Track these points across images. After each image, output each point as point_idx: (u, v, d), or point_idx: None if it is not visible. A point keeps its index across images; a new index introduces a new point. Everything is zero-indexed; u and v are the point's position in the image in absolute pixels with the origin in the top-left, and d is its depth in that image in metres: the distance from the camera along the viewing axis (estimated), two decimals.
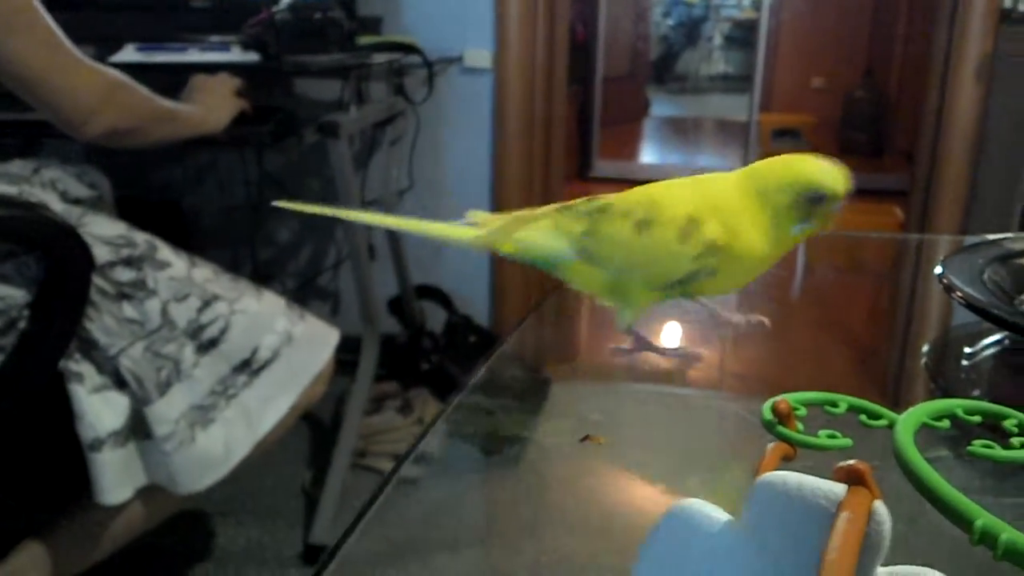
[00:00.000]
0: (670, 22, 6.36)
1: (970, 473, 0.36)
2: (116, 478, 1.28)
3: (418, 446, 0.49)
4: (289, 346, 1.48)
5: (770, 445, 0.36)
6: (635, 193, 0.49)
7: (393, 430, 2.28)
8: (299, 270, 2.63)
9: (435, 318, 2.49)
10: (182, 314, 1.34)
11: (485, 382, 0.61)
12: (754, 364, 0.60)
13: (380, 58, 2.00)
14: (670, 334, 0.63)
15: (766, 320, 0.55)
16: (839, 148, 5.11)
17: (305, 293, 2.62)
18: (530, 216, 0.53)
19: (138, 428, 1.29)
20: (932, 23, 2.38)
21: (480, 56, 2.41)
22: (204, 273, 1.41)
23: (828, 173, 0.46)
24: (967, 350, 0.54)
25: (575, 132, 4.97)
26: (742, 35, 5.88)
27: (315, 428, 2.29)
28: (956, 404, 0.39)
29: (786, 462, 0.36)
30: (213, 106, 1.60)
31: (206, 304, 1.38)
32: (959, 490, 0.26)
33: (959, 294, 0.49)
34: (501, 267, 2.55)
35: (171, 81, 1.60)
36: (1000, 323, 0.45)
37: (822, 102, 5.30)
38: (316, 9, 1.94)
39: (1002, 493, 0.37)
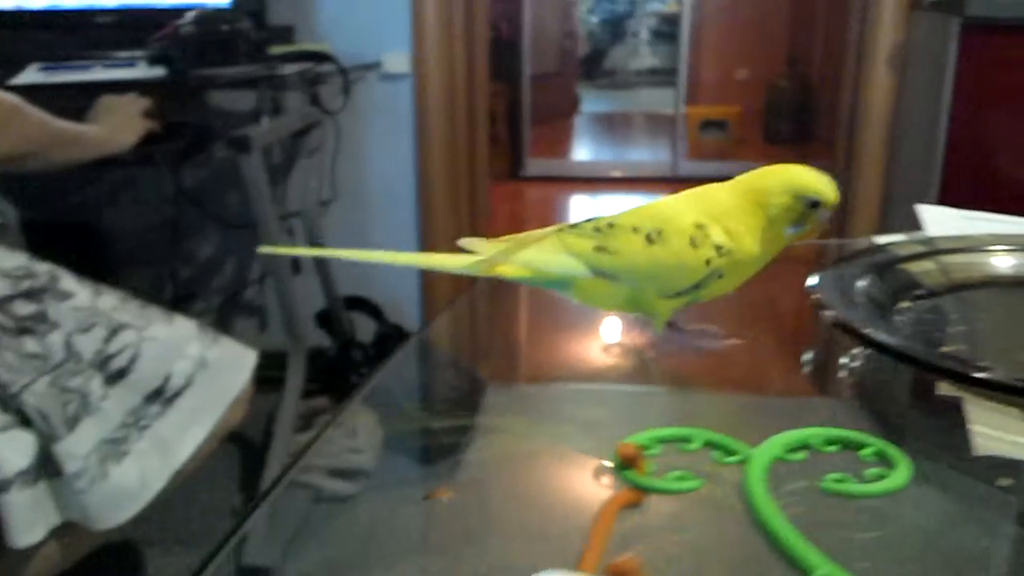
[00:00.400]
0: (595, 19, 6.39)
1: (831, 503, 0.35)
2: (27, 519, 1.23)
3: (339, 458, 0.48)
4: (203, 371, 1.44)
5: (614, 492, 0.34)
6: (639, 210, 0.52)
7: (326, 444, 2.25)
8: (223, 286, 2.58)
9: (365, 329, 2.46)
10: (88, 345, 1.30)
11: (420, 389, 0.62)
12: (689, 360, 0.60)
13: (291, 68, 1.96)
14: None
15: (738, 341, 0.57)
16: (765, 137, 5.17)
17: (230, 309, 2.57)
18: (530, 239, 0.54)
19: (47, 466, 1.24)
20: (846, 12, 2.41)
21: (398, 61, 2.39)
22: (110, 301, 1.36)
23: (823, 182, 0.50)
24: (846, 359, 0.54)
25: (505, 132, 4.96)
26: (667, 29, 5.93)
27: (245, 448, 2.24)
28: (813, 434, 0.38)
29: (631, 508, 0.35)
30: (118, 126, 1.56)
31: (113, 333, 1.33)
32: (814, 525, 0.25)
33: (826, 312, 0.48)
34: (430, 275, 2.53)
35: (77, 100, 1.55)
36: (866, 342, 0.44)
37: (747, 93, 5.35)
38: (223, 21, 1.89)
39: (861, 528, 0.36)
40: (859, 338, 0.45)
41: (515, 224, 3.86)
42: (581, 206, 4.77)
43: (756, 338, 0.56)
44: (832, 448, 0.37)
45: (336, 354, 2.38)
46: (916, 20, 2.21)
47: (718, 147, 5.10)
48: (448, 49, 2.38)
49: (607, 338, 0.65)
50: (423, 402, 0.64)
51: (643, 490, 0.35)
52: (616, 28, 6.45)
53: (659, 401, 0.56)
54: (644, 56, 6.45)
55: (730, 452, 0.37)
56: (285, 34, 2.25)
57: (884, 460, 0.37)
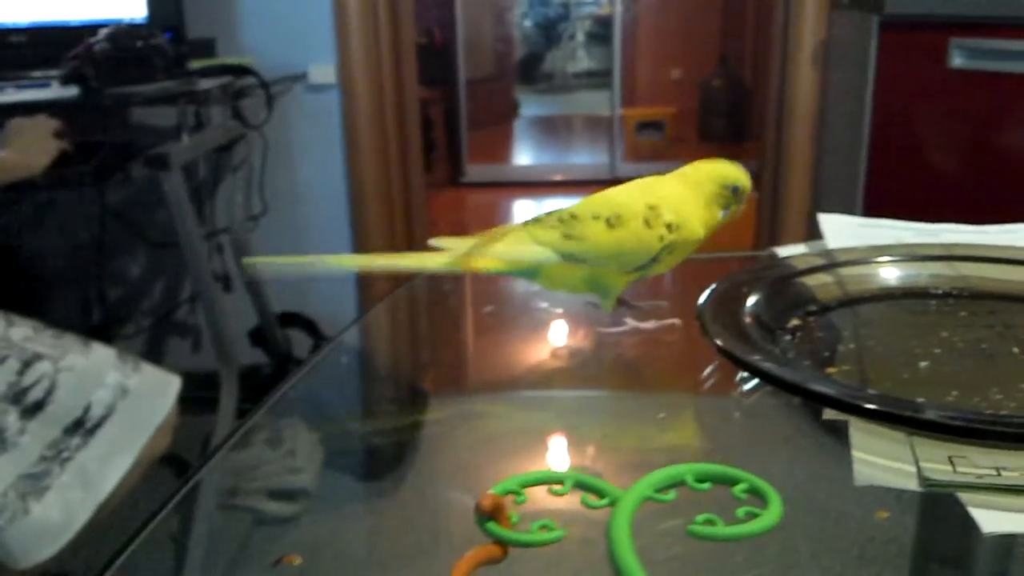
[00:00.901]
0: (528, 23, 6.38)
1: (704, 544, 0.34)
2: None
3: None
4: (124, 400, 1.41)
5: (471, 550, 0.33)
6: (594, 199, 0.59)
7: (264, 464, 2.21)
8: (154, 307, 2.52)
9: (303, 345, 2.43)
10: (1, 378, 1.26)
11: (361, 403, 0.63)
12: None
13: (209, 83, 1.92)
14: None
15: (677, 321, 0.61)
16: (700, 136, 5.21)
17: (162, 330, 2.51)
18: (497, 235, 0.59)
19: None
20: (770, 10, 2.43)
21: (324, 72, 2.36)
22: (23, 332, 1.32)
23: (740, 172, 0.59)
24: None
25: (444, 138, 4.93)
26: (602, 31, 5.94)
27: (181, 471, 2.20)
28: (685, 471, 0.37)
29: (492, 563, 0.33)
30: (28, 149, 1.51)
31: (27, 365, 1.30)
32: (686, 569, 0.24)
33: (713, 339, 0.47)
34: (366, 288, 2.50)
35: None
36: (746, 368, 0.43)
37: (682, 92, 5.39)
38: (138, 37, 1.85)
39: (734, 570, 0.34)
40: (739, 364, 0.44)
41: (458, 231, 3.81)
42: (523, 210, 4.76)
43: (689, 323, 0.57)
44: (705, 485, 0.36)
45: (273, 371, 2.34)
46: (837, 18, 2.23)
47: (655, 148, 5.12)
48: (374, 58, 2.36)
49: (554, 340, 0.69)
50: (364, 417, 0.64)
51: (504, 543, 0.33)
52: (552, 31, 6.44)
53: (599, 403, 0.59)
54: (581, 59, 6.46)
55: (601, 494, 0.36)
56: (206, 48, 2.20)
57: (757, 496, 0.35)
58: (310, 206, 2.48)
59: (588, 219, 0.57)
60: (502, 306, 0.79)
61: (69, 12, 2.09)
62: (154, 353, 2.54)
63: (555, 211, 0.59)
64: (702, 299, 0.54)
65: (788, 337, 0.52)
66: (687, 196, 0.57)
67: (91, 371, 1.36)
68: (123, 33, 1.84)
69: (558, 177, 5.07)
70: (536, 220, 0.59)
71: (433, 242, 0.60)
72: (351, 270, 0.60)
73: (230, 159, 2.24)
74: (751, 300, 0.54)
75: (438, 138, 4.83)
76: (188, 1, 2.13)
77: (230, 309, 2.27)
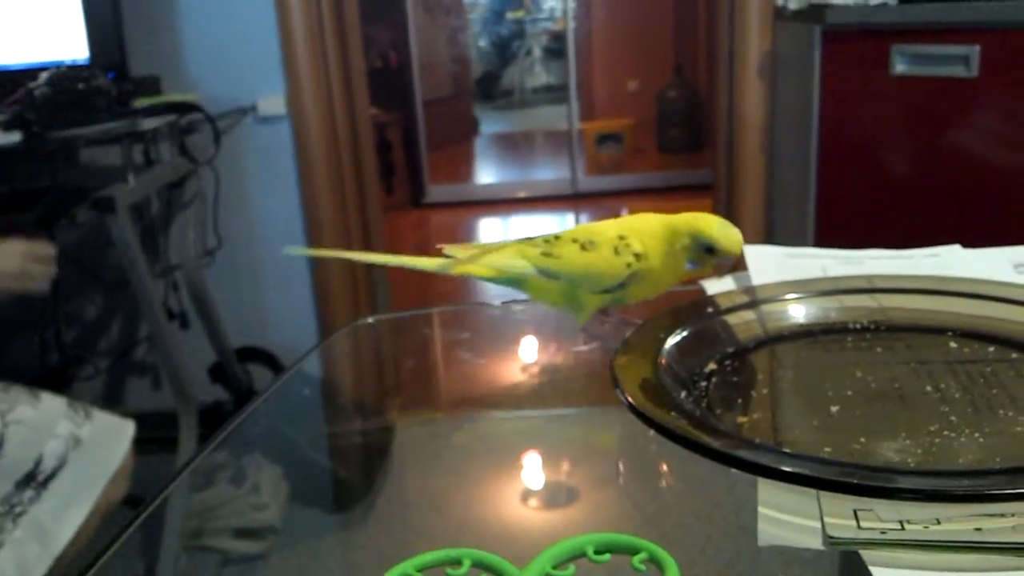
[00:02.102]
0: (482, 42, 6.39)
1: None
2: None
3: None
4: (77, 449, 1.38)
5: None
6: (580, 227, 0.64)
7: (228, 503, 2.19)
8: (112, 347, 2.49)
9: (264, 379, 2.40)
10: None
11: (325, 434, 0.63)
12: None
13: (153, 121, 1.90)
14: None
15: (637, 320, 0.63)
16: (659, 147, 5.24)
17: (121, 370, 2.48)
18: (494, 247, 0.65)
19: None
20: (715, 21, 2.45)
21: (274, 103, 2.34)
22: None
23: (724, 233, 0.59)
24: None
25: (403, 160, 4.92)
26: (558, 46, 5.96)
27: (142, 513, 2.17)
28: (586, 541, 0.37)
29: None
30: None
31: None
32: None
33: (623, 394, 0.46)
34: (327, 321, 2.48)
35: None
36: (658, 429, 0.43)
37: (639, 104, 5.41)
38: (79, 79, 1.83)
39: None
40: (647, 423, 0.43)
41: (422, 252, 3.80)
42: (487, 229, 4.76)
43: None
44: (604, 557, 0.36)
45: (234, 407, 2.31)
46: (781, 29, 2.26)
47: (615, 160, 5.14)
48: (324, 86, 2.35)
49: (522, 359, 0.74)
50: (329, 449, 0.64)
51: None
52: (507, 48, 6.46)
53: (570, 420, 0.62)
54: (539, 74, 6.48)
55: (499, 573, 0.35)
56: (151, 85, 2.18)
57: (657, 565, 0.35)
58: (266, 238, 2.46)
59: (568, 241, 0.63)
60: (474, 333, 0.82)
61: (8, 56, 2.06)
62: (114, 394, 2.51)
63: (547, 234, 0.66)
64: (617, 348, 0.53)
65: (704, 383, 0.51)
66: (660, 238, 0.60)
67: (41, 422, 1.34)
68: (64, 75, 1.82)
69: (521, 194, 5.08)
70: (529, 239, 0.65)
71: (444, 248, 0.67)
72: (373, 263, 0.67)
73: (182, 195, 2.22)
74: (668, 345, 0.54)
75: (398, 160, 4.82)
76: (131, 40, 2.12)
77: (188, 346, 2.25)
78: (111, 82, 1.91)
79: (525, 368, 0.72)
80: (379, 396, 0.74)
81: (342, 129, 2.43)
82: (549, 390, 0.67)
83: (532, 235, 0.66)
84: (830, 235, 2.02)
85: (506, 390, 0.68)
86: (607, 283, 0.61)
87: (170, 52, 2.28)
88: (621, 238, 0.61)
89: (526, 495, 0.52)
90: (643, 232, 0.61)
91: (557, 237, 0.64)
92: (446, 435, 0.63)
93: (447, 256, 0.66)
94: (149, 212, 2.27)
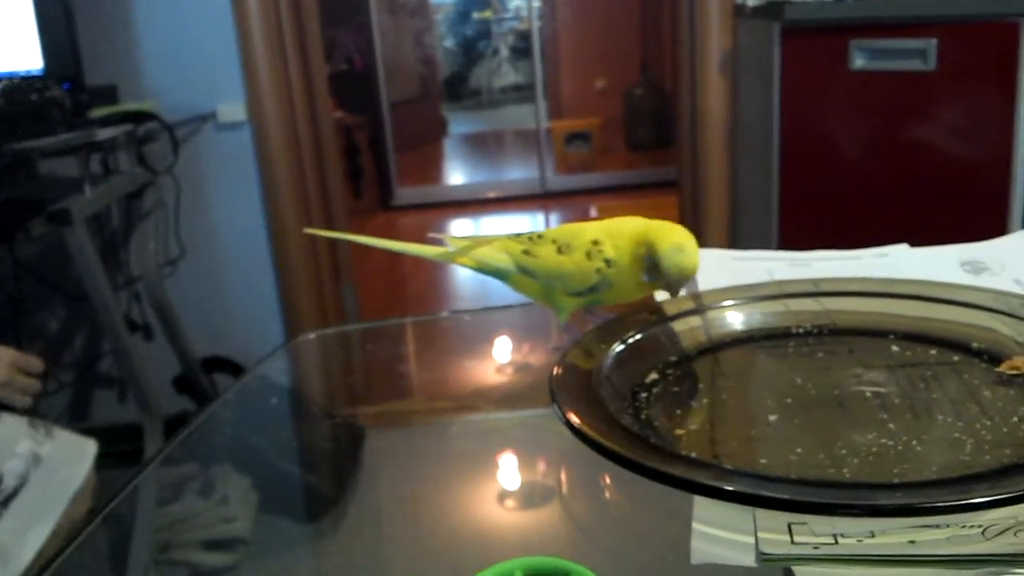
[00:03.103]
0: (448, 43, 6.37)
1: None
2: None
3: None
4: (38, 468, 1.36)
5: None
6: (560, 228, 0.65)
7: (196, 515, 2.16)
8: (75, 360, 2.45)
9: (230, 389, 2.38)
10: None
11: (294, 443, 0.63)
12: None
13: (110, 131, 1.87)
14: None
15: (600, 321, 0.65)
16: (627, 145, 5.24)
17: (84, 383, 2.44)
18: (486, 240, 0.67)
19: None
20: (678, 20, 2.45)
21: (234, 109, 2.32)
22: None
23: (676, 252, 0.57)
24: None
25: (371, 163, 4.89)
26: (526, 46, 5.96)
27: (112, 527, 2.14)
28: (516, 565, 0.36)
29: None
30: None
31: None
32: None
33: (561, 410, 0.45)
34: (295, 329, 2.46)
35: None
36: (593, 447, 0.42)
37: (607, 102, 5.41)
38: (33, 90, 1.80)
39: None
40: (581, 438, 0.43)
41: (390, 255, 3.78)
42: (459, 231, 4.74)
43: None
44: None
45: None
46: (742, 26, 2.26)
47: (584, 159, 5.14)
48: (284, 91, 2.33)
49: (492, 362, 0.75)
50: (298, 457, 0.64)
51: None
52: (474, 49, 6.45)
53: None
54: (506, 74, 6.47)
55: None
56: (107, 95, 2.15)
57: None
58: (229, 246, 2.44)
59: (547, 242, 0.64)
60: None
61: None
62: (78, 408, 2.47)
63: (533, 231, 0.67)
64: (559, 360, 0.52)
65: (644, 395, 0.51)
66: (631, 244, 0.60)
67: (1, 441, 1.32)
68: (18, 87, 1.79)
69: (490, 194, 5.07)
70: (517, 235, 0.67)
71: (443, 237, 0.69)
72: (379, 247, 0.69)
73: (141, 205, 2.20)
74: (609, 356, 0.53)
75: (365, 163, 4.80)
76: (86, 49, 2.09)
77: (152, 358, 2.22)
78: (66, 93, 1.89)
79: (499, 369, 0.73)
80: (348, 403, 0.74)
81: (304, 134, 2.41)
82: (521, 392, 0.67)
83: (523, 231, 0.68)
84: (794, 229, 2.02)
85: (478, 393, 0.68)
86: (578, 286, 0.62)
87: (127, 60, 2.25)
88: (595, 243, 0.61)
89: (500, 498, 0.52)
90: (619, 237, 0.61)
91: (540, 236, 0.65)
92: (417, 440, 0.63)
93: (445, 246, 0.68)
94: (109, 223, 2.24)
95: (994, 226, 1.80)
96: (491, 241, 0.68)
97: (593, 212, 4.51)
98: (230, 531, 0.55)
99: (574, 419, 0.44)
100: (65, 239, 1.73)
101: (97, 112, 2.01)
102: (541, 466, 0.56)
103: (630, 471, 0.40)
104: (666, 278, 0.57)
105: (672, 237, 0.57)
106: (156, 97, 2.23)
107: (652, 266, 0.58)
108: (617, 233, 0.61)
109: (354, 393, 0.76)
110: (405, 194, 5.01)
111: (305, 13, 2.41)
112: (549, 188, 4.96)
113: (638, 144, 5.16)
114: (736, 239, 2.43)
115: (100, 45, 2.20)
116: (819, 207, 2.02)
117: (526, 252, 0.64)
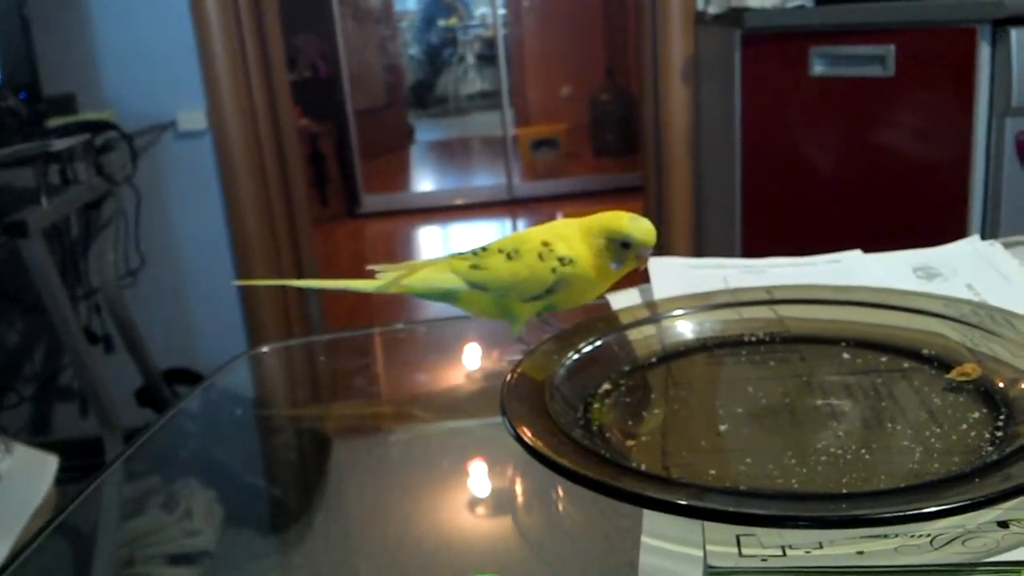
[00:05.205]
0: (414, 50, 6.35)
1: None
2: None
3: None
4: None
5: None
6: (503, 239, 0.65)
7: (160, 530, 2.13)
8: (36, 373, 2.41)
9: None
10: None
11: (258, 455, 0.63)
12: None
13: (67, 141, 1.85)
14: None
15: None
16: (593, 150, 5.26)
17: (46, 397, 2.41)
18: (422, 264, 0.66)
19: None
20: (640, 26, 2.46)
21: (194, 118, 2.30)
22: None
23: (636, 226, 0.59)
24: None
25: (337, 171, 4.87)
26: (492, 52, 5.96)
27: (74, 542, 2.10)
28: None
29: None
30: None
31: None
32: None
33: (510, 422, 0.45)
34: (259, 339, 2.44)
35: None
36: (541, 460, 0.41)
37: (573, 108, 5.42)
38: None
39: None
40: (531, 453, 0.42)
41: (357, 263, 3.76)
42: (426, 238, 4.73)
43: None
44: None
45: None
46: (703, 33, 2.27)
47: (551, 165, 5.15)
48: (246, 98, 2.31)
49: (457, 370, 0.75)
50: (263, 469, 0.63)
51: None
52: (439, 55, 6.43)
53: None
54: (473, 80, 6.46)
55: None
56: (65, 104, 2.13)
57: None
58: (191, 256, 2.41)
59: (494, 253, 0.64)
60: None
61: None
62: (39, 421, 2.44)
63: (477, 247, 0.67)
64: (511, 371, 0.51)
65: (597, 406, 0.50)
66: (582, 241, 0.61)
67: None
68: None
69: (458, 201, 5.06)
70: (459, 254, 0.66)
71: (370, 268, 0.67)
72: (313, 288, 0.64)
73: (100, 216, 2.17)
74: (562, 366, 0.52)
75: (331, 171, 4.77)
76: (43, 58, 2.06)
77: (113, 370, 2.19)
78: (22, 102, 1.86)
79: (455, 379, 0.73)
80: (313, 413, 0.73)
81: (267, 141, 2.39)
82: (480, 401, 0.67)
83: (462, 251, 0.67)
84: (757, 234, 2.04)
85: (443, 402, 0.69)
86: (535, 290, 0.62)
87: (85, 69, 2.22)
88: (545, 244, 0.61)
89: (469, 505, 0.52)
90: (567, 238, 0.62)
91: (484, 249, 0.65)
92: (383, 449, 0.63)
93: (378, 277, 0.67)
94: (68, 234, 2.20)
95: (953, 230, 1.82)
96: (426, 265, 0.67)
97: (560, 217, 4.52)
98: (194, 545, 0.54)
99: (524, 433, 0.44)
100: (22, 251, 1.70)
101: (55, 122, 1.99)
102: (496, 478, 0.56)
103: (579, 485, 0.39)
104: (638, 248, 0.59)
105: (622, 216, 0.60)
106: (115, 106, 2.21)
107: (619, 247, 0.59)
108: (563, 235, 0.62)
109: (317, 403, 0.75)
110: (372, 201, 4.99)
111: (267, 20, 2.39)
112: (516, 194, 4.97)
113: (604, 150, 5.17)
114: (700, 243, 2.44)
115: (57, 54, 2.17)
116: (780, 212, 2.03)
117: (474, 267, 0.64)
